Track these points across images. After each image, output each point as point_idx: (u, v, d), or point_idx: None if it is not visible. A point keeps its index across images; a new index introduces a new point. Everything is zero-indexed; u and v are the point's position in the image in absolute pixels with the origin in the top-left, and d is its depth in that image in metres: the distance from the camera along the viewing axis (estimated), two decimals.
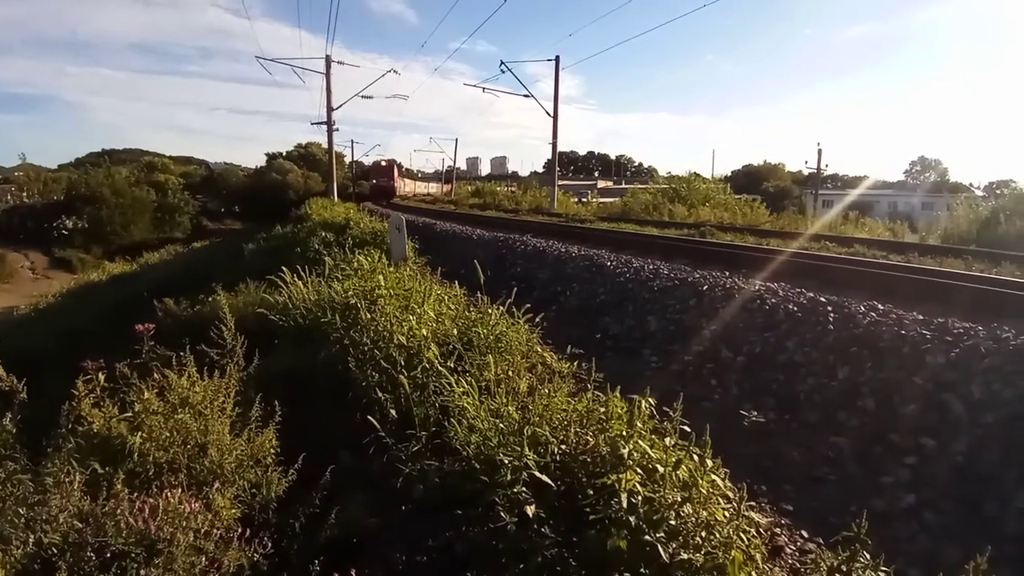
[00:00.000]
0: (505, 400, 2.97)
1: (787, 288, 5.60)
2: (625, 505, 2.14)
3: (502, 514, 2.33)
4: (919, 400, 3.63)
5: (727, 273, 6.58)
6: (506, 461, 2.48)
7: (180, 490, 2.48)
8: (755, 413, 3.95)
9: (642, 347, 5.47)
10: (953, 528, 2.87)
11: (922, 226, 17.93)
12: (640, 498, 2.19)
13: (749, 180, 68.00)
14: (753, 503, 2.95)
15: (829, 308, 4.79)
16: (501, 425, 2.73)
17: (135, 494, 2.38)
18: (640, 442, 2.37)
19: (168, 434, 2.84)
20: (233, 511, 2.62)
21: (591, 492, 2.33)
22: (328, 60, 34.41)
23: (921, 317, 4.37)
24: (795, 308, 4.95)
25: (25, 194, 57.41)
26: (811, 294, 5.29)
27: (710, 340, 5.07)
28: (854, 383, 3.96)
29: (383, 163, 58.67)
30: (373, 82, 57.58)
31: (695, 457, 2.37)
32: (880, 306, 4.74)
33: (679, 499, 2.19)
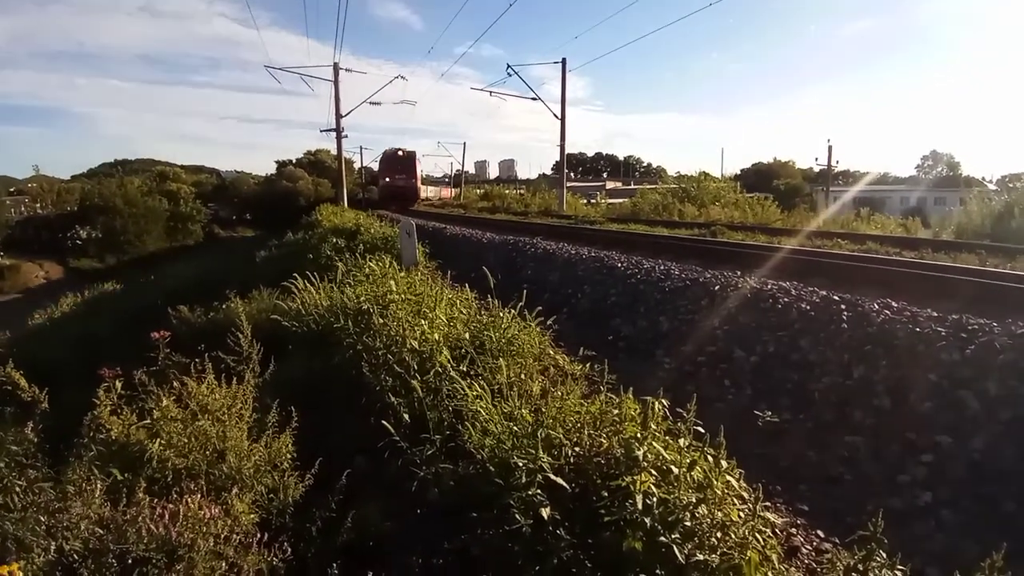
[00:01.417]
0: (518, 403, 2.98)
1: (800, 287, 5.58)
2: (640, 507, 2.14)
3: (517, 516, 2.34)
4: (935, 397, 3.60)
5: (739, 272, 6.56)
6: (520, 464, 2.49)
7: (199, 496, 2.51)
8: (769, 413, 3.94)
9: (654, 348, 5.47)
10: (970, 525, 2.85)
11: (935, 221, 17.80)
12: (655, 499, 2.19)
13: (759, 178, 67.70)
14: (768, 503, 2.94)
15: (843, 306, 4.76)
16: (515, 428, 2.74)
17: (155, 500, 2.41)
18: (654, 443, 2.37)
19: (187, 440, 2.88)
20: (252, 516, 2.64)
21: (606, 494, 2.33)
22: (336, 68, 34.64)
23: (935, 314, 4.34)
24: (808, 307, 4.93)
25: (39, 205, 58.24)
26: (824, 292, 5.26)
27: (723, 340, 5.05)
28: (869, 381, 3.94)
29: (399, 153, 42.97)
30: (381, 88, 55.28)
31: (709, 458, 2.37)
32: (894, 303, 4.71)
33: (694, 500, 2.20)
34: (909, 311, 4.48)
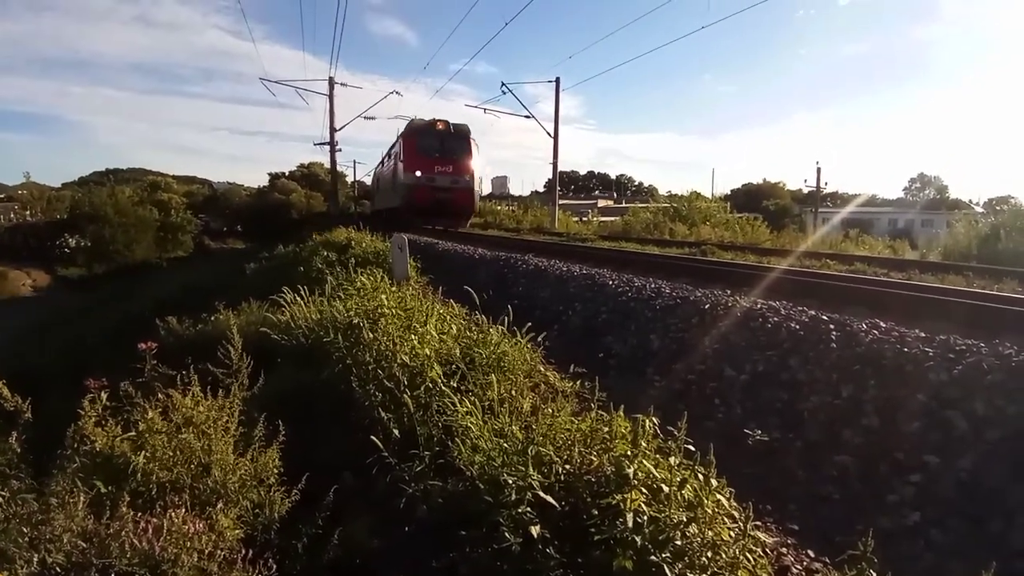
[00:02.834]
0: (509, 420, 2.97)
1: (789, 306, 5.61)
2: (630, 525, 2.14)
3: (507, 535, 2.32)
4: (923, 417, 3.62)
5: (729, 291, 6.59)
6: (510, 481, 2.48)
7: (184, 510, 2.48)
8: (759, 432, 3.94)
9: (645, 366, 5.47)
10: (959, 545, 2.86)
11: (922, 243, 18.03)
12: (645, 518, 2.18)
13: (749, 199, 68.47)
14: (759, 522, 2.94)
15: (831, 326, 4.79)
16: (505, 445, 2.73)
17: (139, 514, 2.38)
18: (644, 462, 2.37)
19: (172, 454, 2.85)
20: (236, 531, 2.61)
21: (596, 512, 2.32)
22: (331, 81, 34.81)
23: (923, 334, 4.37)
24: (797, 326, 4.96)
25: (28, 212, 57.86)
26: (813, 312, 5.29)
27: (713, 359, 5.06)
28: (857, 401, 3.95)
29: (439, 127, 24.77)
30: (376, 103, 55.32)
31: (700, 476, 2.37)
32: (882, 323, 4.74)
33: (684, 519, 2.19)
34: (897, 331, 4.51)
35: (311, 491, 2.98)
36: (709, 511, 2.25)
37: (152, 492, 2.72)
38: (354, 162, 71.72)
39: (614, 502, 2.25)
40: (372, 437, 3.13)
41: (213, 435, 2.98)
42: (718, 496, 2.33)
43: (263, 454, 3.05)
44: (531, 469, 2.48)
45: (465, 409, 3.14)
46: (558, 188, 32.43)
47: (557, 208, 31.48)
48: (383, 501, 3.10)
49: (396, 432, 3.33)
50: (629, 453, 2.43)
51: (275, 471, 3.05)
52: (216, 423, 3.07)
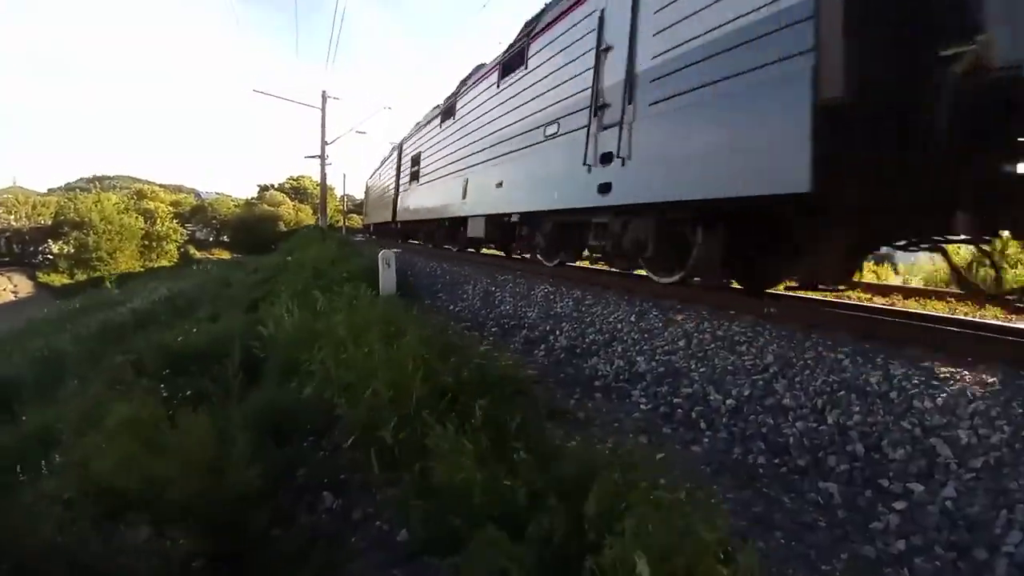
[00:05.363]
0: (492, 441, 2.94)
1: (774, 331, 5.62)
2: (617, 552, 2.10)
3: (488, 558, 2.28)
4: (907, 445, 3.62)
5: (714, 314, 6.61)
6: (492, 504, 2.44)
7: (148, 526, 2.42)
8: (745, 456, 3.92)
9: (631, 388, 5.45)
10: (943, 574, 2.84)
11: (904, 268, 18.20)
12: (632, 545, 2.15)
13: None
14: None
15: (819, 350, 4.80)
16: (489, 469, 2.69)
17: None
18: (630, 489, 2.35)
19: (141, 471, 2.79)
20: (209, 550, 2.55)
21: (582, 538, 2.29)
22: (324, 95, 34.87)
23: (908, 360, 4.39)
24: (782, 350, 4.96)
25: (13, 217, 57.26)
26: (799, 336, 5.31)
27: (699, 382, 5.05)
28: (842, 427, 3.95)
29: None
30: (367, 118, 55.57)
31: (687, 502, 2.35)
32: (867, 347, 4.76)
33: (670, 546, 2.16)
34: (881, 356, 4.53)
35: (290, 511, 2.92)
36: (696, 538, 2.22)
37: (120, 506, 2.66)
38: (344, 175, 71.70)
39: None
40: (354, 456, 3.08)
41: (182, 451, 2.93)
42: (704, 522, 2.30)
43: (238, 471, 2.99)
44: (515, 490, 2.45)
45: (447, 429, 3.09)
46: None
47: None
48: (363, 523, 3.04)
49: (378, 451, 3.28)
50: (615, 479, 2.40)
51: (252, 489, 2.99)
52: (185, 439, 3.01)
